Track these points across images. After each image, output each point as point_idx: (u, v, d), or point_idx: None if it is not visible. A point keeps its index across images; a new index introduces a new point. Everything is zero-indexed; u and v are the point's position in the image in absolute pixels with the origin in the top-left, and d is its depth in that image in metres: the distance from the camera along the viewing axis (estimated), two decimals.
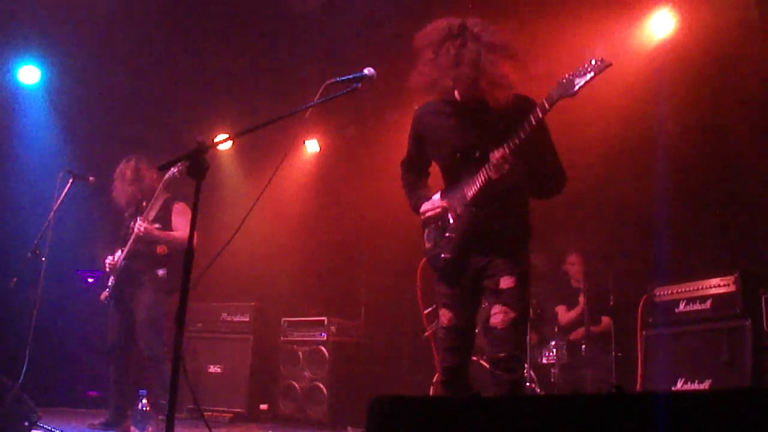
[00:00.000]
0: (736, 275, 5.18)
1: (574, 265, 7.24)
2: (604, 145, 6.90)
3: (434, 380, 6.57)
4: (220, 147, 8.67)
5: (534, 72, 7.34)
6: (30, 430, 4.78)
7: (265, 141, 7.98)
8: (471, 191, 3.66)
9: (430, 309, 6.09)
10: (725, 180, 6.53)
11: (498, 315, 3.59)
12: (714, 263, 5.84)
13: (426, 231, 3.94)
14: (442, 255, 3.80)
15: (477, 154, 3.63)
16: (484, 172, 3.57)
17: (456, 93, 3.69)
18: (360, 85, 3.51)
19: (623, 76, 6.83)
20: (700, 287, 5.42)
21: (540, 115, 3.40)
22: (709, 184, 6.56)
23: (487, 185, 3.58)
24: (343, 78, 3.54)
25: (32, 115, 8.62)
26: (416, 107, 4.02)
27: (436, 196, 3.92)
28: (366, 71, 3.52)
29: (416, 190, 4.05)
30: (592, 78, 3.32)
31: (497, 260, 3.66)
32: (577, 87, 3.34)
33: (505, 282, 3.62)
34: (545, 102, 3.40)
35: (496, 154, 3.49)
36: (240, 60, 8.32)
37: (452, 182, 3.84)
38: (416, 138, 3.99)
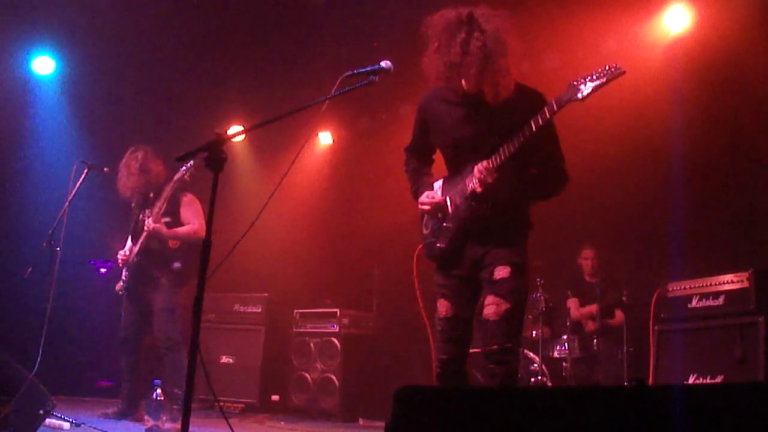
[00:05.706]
0: (750, 272, 5.14)
1: (588, 260, 7.22)
2: (619, 140, 6.88)
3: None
4: (235, 139, 8.70)
5: (548, 65, 7.35)
6: (44, 418, 4.80)
7: (279, 133, 7.98)
8: (471, 185, 3.62)
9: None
10: (740, 176, 6.51)
11: (491, 306, 3.54)
12: (728, 259, 5.81)
13: (425, 217, 3.92)
14: (438, 244, 3.78)
15: (479, 147, 3.60)
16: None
17: (463, 81, 3.62)
18: (377, 78, 3.49)
19: (637, 71, 6.80)
20: (713, 283, 5.39)
21: (547, 116, 3.37)
22: (724, 180, 6.54)
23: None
24: (360, 70, 3.52)
25: (47, 105, 8.66)
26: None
27: (438, 183, 3.89)
28: (383, 64, 3.50)
29: (419, 178, 4.01)
30: (603, 84, 3.30)
31: (494, 250, 3.62)
32: (586, 92, 3.31)
33: (500, 272, 3.56)
34: (554, 104, 3.37)
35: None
36: (255, 52, 8.33)
37: (455, 171, 3.81)
38: (421, 124, 3.95)
